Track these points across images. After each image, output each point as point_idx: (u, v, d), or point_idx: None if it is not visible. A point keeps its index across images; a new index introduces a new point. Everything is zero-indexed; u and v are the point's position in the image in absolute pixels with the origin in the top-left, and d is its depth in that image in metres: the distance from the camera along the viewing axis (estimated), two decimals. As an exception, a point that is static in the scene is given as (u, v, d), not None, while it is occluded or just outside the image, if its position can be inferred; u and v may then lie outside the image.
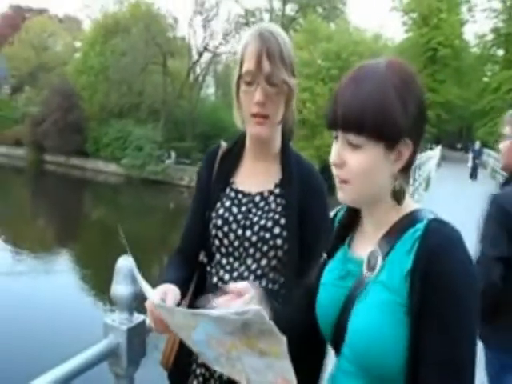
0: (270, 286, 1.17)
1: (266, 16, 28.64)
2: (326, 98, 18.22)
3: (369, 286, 0.78)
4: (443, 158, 23.72)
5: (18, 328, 7.03)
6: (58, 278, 10.74)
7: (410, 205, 0.82)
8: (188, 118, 26.77)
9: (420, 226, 0.76)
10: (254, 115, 1.13)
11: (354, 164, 0.77)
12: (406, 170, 0.81)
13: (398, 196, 0.80)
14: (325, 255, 0.92)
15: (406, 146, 0.77)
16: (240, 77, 1.14)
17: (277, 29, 1.16)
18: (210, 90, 36.00)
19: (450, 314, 0.71)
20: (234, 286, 0.91)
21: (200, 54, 29.34)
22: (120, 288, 1.12)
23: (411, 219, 0.79)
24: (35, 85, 32.80)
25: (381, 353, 0.74)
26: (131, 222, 16.80)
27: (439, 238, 0.73)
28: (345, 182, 0.80)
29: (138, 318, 1.15)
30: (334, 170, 0.81)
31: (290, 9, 28.50)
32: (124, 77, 26.58)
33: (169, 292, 1.00)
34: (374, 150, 0.76)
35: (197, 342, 0.83)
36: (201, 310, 0.79)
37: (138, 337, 1.15)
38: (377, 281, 0.77)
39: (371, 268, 0.79)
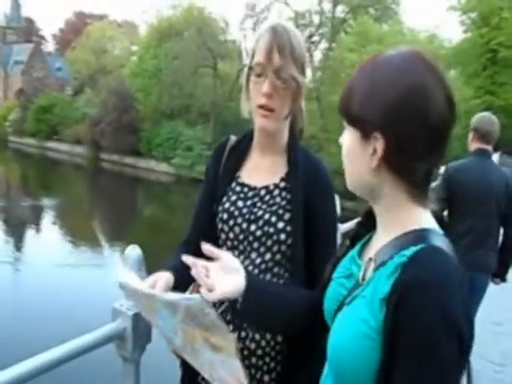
0: (274, 280, 1.16)
1: (316, 18, 28.41)
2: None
3: (356, 295, 0.76)
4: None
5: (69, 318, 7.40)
6: (109, 271, 11.23)
7: (421, 221, 0.76)
8: (236, 120, 27.05)
9: (409, 252, 0.69)
10: (261, 106, 1.14)
11: (343, 142, 0.81)
12: (387, 169, 0.75)
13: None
14: (347, 242, 0.91)
15: (377, 142, 0.73)
16: (250, 68, 1.16)
17: (291, 27, 1.18)
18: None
19: (421, 366, 0.64)
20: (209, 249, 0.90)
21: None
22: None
23: (412, 239, 0.73)
24: (95, 87, 34.42)
25: (352, 371, 0.71)
26: (179, 219, 17.27)
27: (421, 271, 0.66)
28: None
29: (144, 304, 1.23)
30: None
31: (341, 10, 28.00)
32: (176, 79, 27.21)
33: (159, 279, 1.01)
34: (352, 135, 0.78)
35: (163, 328, 0.84)
36: (153, 291, 0.80)
37: (143, 322, 1.19)
38: (362, 295, 0.74)
39: (364, 278, 0.77)
